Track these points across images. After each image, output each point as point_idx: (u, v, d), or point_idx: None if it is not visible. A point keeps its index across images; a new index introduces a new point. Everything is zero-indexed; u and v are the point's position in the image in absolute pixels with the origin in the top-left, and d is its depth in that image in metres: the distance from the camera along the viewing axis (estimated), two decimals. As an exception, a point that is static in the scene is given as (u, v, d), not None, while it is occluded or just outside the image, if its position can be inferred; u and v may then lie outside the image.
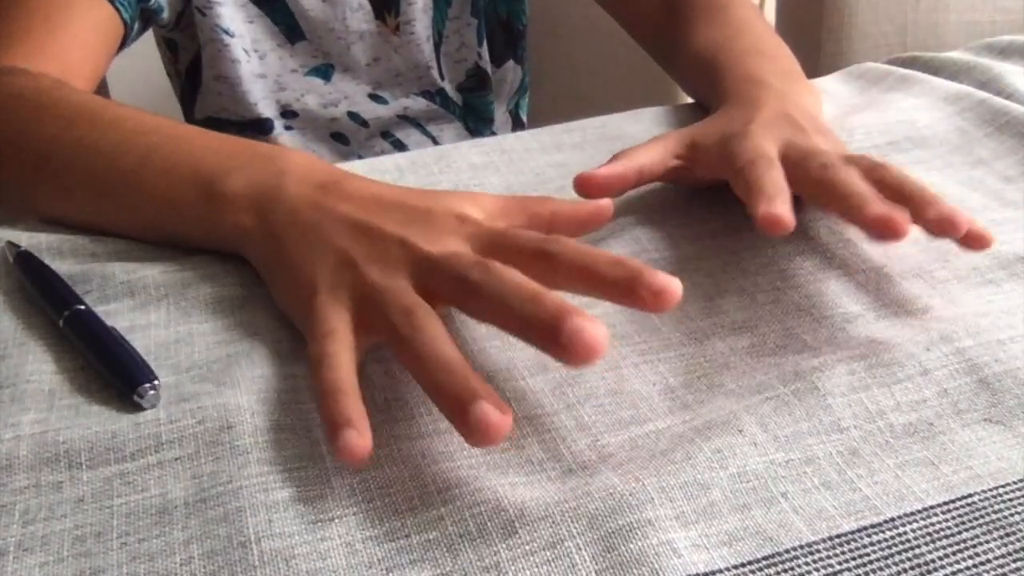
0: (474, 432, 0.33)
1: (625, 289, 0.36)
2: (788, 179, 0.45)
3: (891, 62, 0.70)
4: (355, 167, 0.58)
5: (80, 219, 0.52)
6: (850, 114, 0.62)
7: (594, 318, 0.34)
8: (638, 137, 0.60)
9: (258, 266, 0.47)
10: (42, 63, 0.59)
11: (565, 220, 0.46)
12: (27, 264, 0.47)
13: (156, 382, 0.40)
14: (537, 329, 0.34)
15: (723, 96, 0.57)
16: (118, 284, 0.47)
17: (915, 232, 0.48)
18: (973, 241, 0.43)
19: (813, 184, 0.45)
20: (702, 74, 0.63)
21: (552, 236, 0.39)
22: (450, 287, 0.38)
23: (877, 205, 0.42)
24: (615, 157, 0.51)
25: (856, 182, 0.44)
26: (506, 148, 0.60)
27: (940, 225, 0.43)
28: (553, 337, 0.33)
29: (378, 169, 0.58)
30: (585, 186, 0.49)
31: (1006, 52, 0.69)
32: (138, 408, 0.39)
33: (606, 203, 0.46)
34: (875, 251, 0.48)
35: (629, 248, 0.49)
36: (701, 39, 0.65)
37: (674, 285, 0.35)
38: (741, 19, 0.65)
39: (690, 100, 0.69)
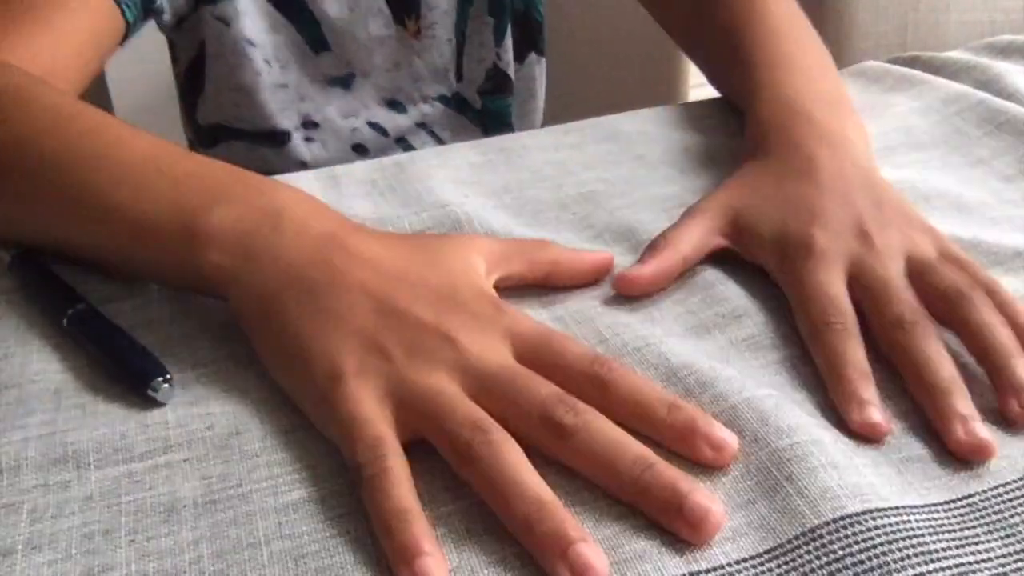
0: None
1: (681, 436, 0.35)
2: (858, 311, 0.41)
3: (891, 62, 0.70)
4: (355, 169, 0.58)
5: (40, 238, 0.47)
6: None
7: (713, 495, 0.33)
8: (635, 137, 0.61)
9: (243, 320, 0.41)
10: (27, 58, 0.54)
11: (566, 270, 0.45)
12: (26, 265, 0.47)
13: (168, 376, 0.40)
14: (654, 500, 0.33)
15: (757, 123, 0.53)
16: (118, 283, 0.47)
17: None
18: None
19: (887, 343, 0.40)
20: (733, 77, 0.60)
21: (602, 358, 0.37)
22: (531, 423, 0.35)
23: (960, 415, 0.37)
24: (654, 246, 0.46)
25: (932, 359, 0.38)
26: (504, 147, 0.60)
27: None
28: (674, 512, 0.33)
29: (377, 168, 0.58)
30: (630, 288, 0.45)
31: (1006, 52, 0.69)
32: (151, 403, 0.39)
33: (608, 258, 0.46)
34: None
35: (630, 241, 0.49)
36: (729, 31, 0.61)
37: (731, 441, 0.35)
38: (778, 17, 0.61)
39: (691, 100, 0.69)
